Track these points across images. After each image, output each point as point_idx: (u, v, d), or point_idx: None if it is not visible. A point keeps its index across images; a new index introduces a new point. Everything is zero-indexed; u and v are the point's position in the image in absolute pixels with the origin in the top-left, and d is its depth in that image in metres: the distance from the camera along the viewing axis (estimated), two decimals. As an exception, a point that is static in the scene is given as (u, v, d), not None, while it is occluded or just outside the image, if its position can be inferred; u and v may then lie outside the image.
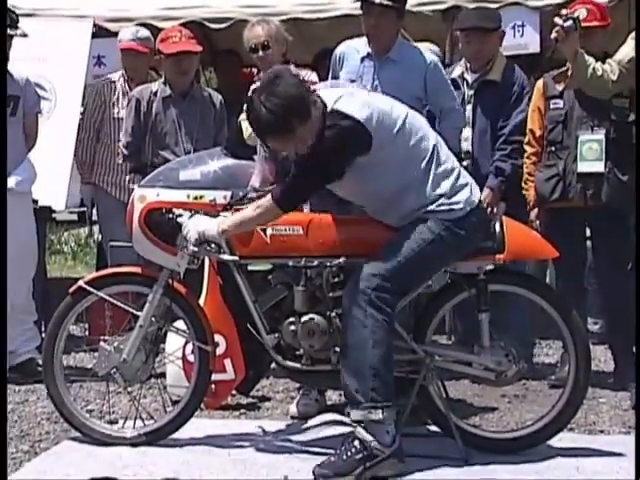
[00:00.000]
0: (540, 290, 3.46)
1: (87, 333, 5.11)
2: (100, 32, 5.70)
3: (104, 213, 5.21)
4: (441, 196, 3.19)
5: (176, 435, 3.46)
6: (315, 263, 3.32)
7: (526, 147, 4.40)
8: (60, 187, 5.28)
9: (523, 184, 4.43)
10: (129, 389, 3.51)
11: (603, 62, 4.14)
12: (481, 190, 3.60)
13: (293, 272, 3.36)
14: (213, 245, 3.33)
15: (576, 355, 3.37)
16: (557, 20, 3.72)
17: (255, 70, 5.33)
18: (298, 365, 3.36)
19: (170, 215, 3.39)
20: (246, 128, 4.36)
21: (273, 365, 3.54)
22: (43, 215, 5.01)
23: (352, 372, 3.14)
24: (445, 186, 3.21)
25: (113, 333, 3.62)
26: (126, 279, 3.54)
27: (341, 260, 3.28)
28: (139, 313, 3.43)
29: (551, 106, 4.32)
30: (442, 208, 3.19)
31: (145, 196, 3.40)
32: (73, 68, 5.50)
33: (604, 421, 3.82)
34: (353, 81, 3.88)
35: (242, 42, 4.37)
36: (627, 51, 3.83)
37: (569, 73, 3.92)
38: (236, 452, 3.37)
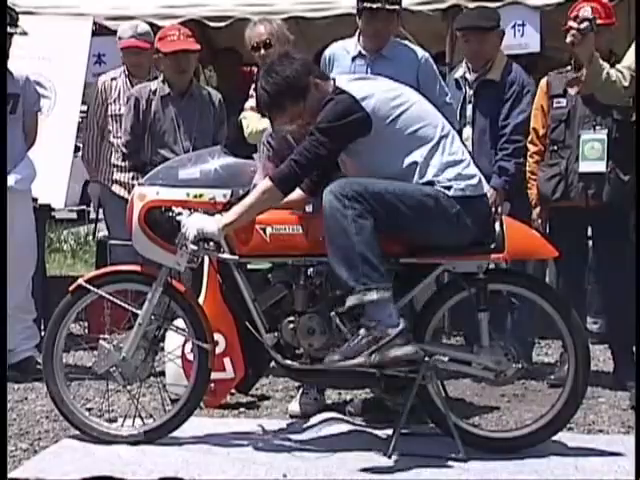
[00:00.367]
0: (540, 290, 3.46)
1: (86, 331, 5.12)
2: (100, 30, 5.69)
3: (110, 211, 5.20)
4: (445, 178, 3.24)
5: (175, 434, 3.46)
6: (315, 262, 3.33)
7: (529, 146, 4.40)
8: (59, 185, 5.29)
9: (526, 183, 4.42)
10: (128, 387, 3.51)
11: (609, 61, 4.15)
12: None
13: (293, 271, 3.36)
14: (212, 244, 3.33)
15: (575, 355, 3.37)
16: (572, 23, 3.69)
17: (255, 68, 5.34)
18: (297, 364, 3.36)
19: (170, 213, 3.39)
20: (247, 126, 4.38)
21: (272, 364, 3.54)
22: (42, 213, 5.01)
23: (341, 261, 3.17)
24: (450, 172, 3.25)
25: (112, 331, 3.62)
26: (125, 277, 3.54)
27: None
28: (138, 311, 3.43)
29: (554, 105, 4.32)
30: (444, 184, 3.23)
31: (145, 194, 3.40)
32: (73, 66, 5.50)
33: (603, 421, 3.82)
34: None
35: (242, 40, 4.37)
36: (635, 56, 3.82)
37: (583, 78, 3.91)
38: (235, 451, 3.37)
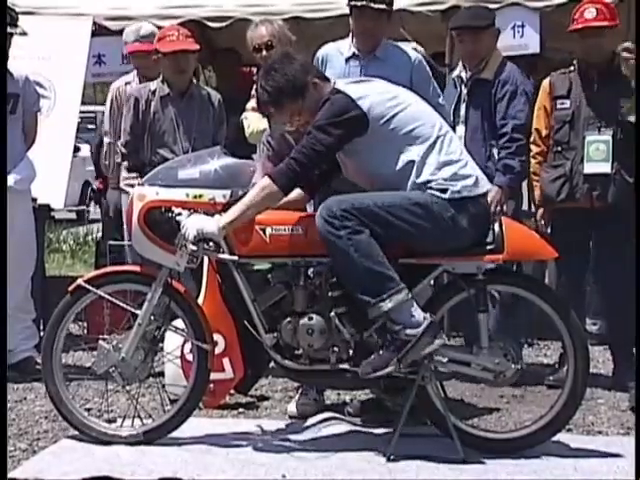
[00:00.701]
0: (539, 291, 3.46)
1: (86, 331, 5.12)
2: (100, 31, 5.70)
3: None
4: (440, 177, 3.25)
5: (174, 434, 3.46)
6: (314, 262, 3.33)
7: (532, 146, 4.38)
8: (59, 186, 5.29)
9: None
10: (128, 388, 3.51)
11: (612, 63, 4.16)
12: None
13: (292, 271, 3.36)
14: (212, 244, 3.33)
15: (575, 356, 3.37)
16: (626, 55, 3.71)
17: (255, 69, 5.34)
18: (297, 364, 3.37)
19: (169, 214, 3.39)
20: (248, 126, 4.38)
21: (272, 364, 3.54)
22: (42, 213, 5.01)
23: (350, 280, 3.23)
24: (446, 171, 3.26)
25: (112, 332, 3.62)
26: (125, 278, 3.54)
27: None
28: (138, 312, 3.43)
29: (558, 106, 4.31)
30: (439, 186, 3.24)
31: (144, 195, 3.40)
32: (73, 66, 5.51)
33: (602, 422, 3.82)
34: None
35: (242, 41, 4.37)
36: None
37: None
38: (234, 451, 3.37)
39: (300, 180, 3.36)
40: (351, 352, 3.35)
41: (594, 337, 4.98)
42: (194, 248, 3.31)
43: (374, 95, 3.30)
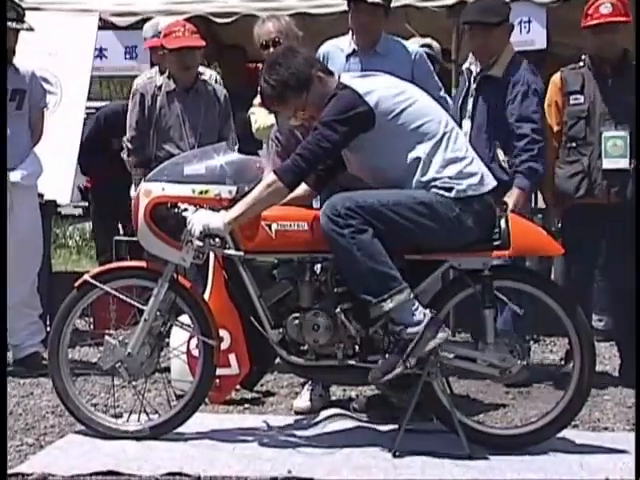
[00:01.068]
0: (545, 287, 3.45)
1: (92, 327, 5.13)
2: (106, 26, 5.70)
3: None
4: (446, 176, 3.24)
5: (180, 429, 3.47)
6: (320, 258, 3.33)
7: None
8: (65, 181, 5.30)
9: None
10: (134, 383, 3.51)
11: (625, 60, 4.12)
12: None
13: (298, 267, 3.36)
14: (218, 240, 3.33)
15: (581, 352, 3.36)
16: None
17: (261, 65, 5.33)
18: (302, 360, 3.37)
19: (175, 210, 3.39)
20: (255, 121, 4.38)
21: (277, 360, 3.54)
22: (48, 209, 5.02)
23: (353, 279, 3.23)
24: (452, 169, 3.25)
25: (118, 327, 3.63)
26: (131, 273, 3.55)
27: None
28: (144, 307, 3.44)
29: (571, 102, 4.26)
30: (444, 185, 3.23)
31: (151, 190, 3.40)
32: (79, 62, 5.52)
33: (608, 418, 3.82)
34: None
35: (247, 37, 4.37)
36: None
37: None
38: (240, 447, 3.37)
39: (306, 177, 3.36)
40: (357, 348, 3.35)
41: (600, 333, 4.97)
42: (200, 244, 3.31)
43: (381, 90, 3.29)
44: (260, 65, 5.51)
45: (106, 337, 3.49)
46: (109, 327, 4.55)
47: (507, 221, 3.32)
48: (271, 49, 4.16)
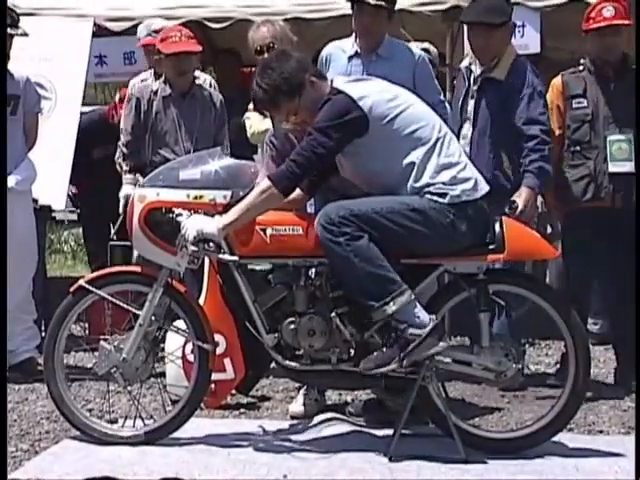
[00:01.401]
0: (540, 290, 3.45)
1: (87, 332, 5.12)
2: (101, 31, 5.70)
3: None
4: (440, 181, 3.24)
5: (176, 434, 3.46)
6: (315, 263, 3.33)
7: None
8: (60, 187, 5.29)
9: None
10: (129, 388, 3.51)
11: (625, 64, 4.11)
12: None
13: (293, 272, 3.36)
14: (212, 245, 3.33)
15: (576, 355, 3.37)
16: None
17: (255, 70, 5.33)
18: (298, 365, 3.36)
19: (170, 215, 3.39)
20: (250, 126, 4.38)
21: (273, 365, 3.54)
22: (43, 214, 5.01)
23: (353, 286, 3.22)
24: (446, 175, 3.25)
25: (113, 332, 3.62)
26: (126, 278, 3.54)
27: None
28: (139, 312, 3.43)
29: (574, 105, 4.25)
30: (438, 190, 3.23)
31: (145, 195, 3.40)
32: (73, 67, 5.52)
33: (603, 421, 3.82)
34: None
35: (242, 41, 4.37)
36: None
37: None
38: (236, 451, 3.37)
39: (300, 182, 3.36)
40: (352, 352, 3.35)
41: (595, 337, 4.98)
42: (195, 249, 3.31)
43: (375, 94, 3.29)
44: (255, 70, 5.53)
45: (101, 342, 3.49)
46: (104, 332, 4.54)
47: (502, 225, 3.33)
48: (265, 54, 4.16)
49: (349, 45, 4.00)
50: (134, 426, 3.48)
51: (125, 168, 5.02)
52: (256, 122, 4.32)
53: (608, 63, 4.25)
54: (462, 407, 3.90)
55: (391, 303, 3.18)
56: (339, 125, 3.23)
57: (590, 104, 4.23)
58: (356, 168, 3.36)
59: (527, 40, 5.29)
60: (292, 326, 3.34)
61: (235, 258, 3.34)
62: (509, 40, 4.23)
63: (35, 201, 4.73)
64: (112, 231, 5.34)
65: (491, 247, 3.29)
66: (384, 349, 3.23)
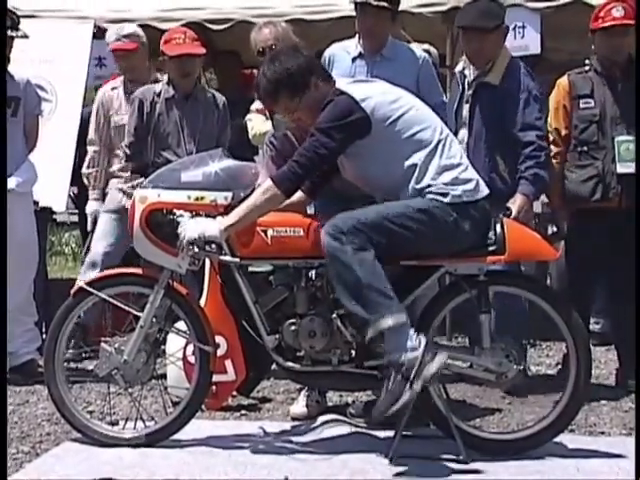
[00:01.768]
0: (541, 292, 3.46)
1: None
2: (101, 34, 5.70)
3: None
4: (441, 182, 3.24)
5: (177, 436, 3.46)
6: (316, 264, 3.33)
7: (551, 147, 4.24)
8: (61, 189, 5.30)
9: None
10: (130, 390, 3.51)
11: (630, 65, 4.11)
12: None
13: (294, 273, 3.36)
14: (214, 246, 3.33)
15: (577, 357, 3.36)
16: None
17: (256, 71, 5.34)
18: (299, 366, 3.37)
19: (171, 216, 3.39)
20: (251, 128, 4.38)
21: (274, 366, 3.54)
22: (44, 216, 5.02)
23: (350, 296, 3.17)
24: (447, 176, 3.26)
25: (114, 334, 3.62)
26: (127, 280, 3.54)
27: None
28: (140, 314, 3.43)
29: (581, 105, 4.23)
30: (439, 190, 3.23)
31: (146, 197, 3.40)
32: (74, 69, 5.52)
33: (605, 422, 3.82)
34: None
35: (243, 43, 4.37)
36: None
37: None
38: (237, 453, 3.37)
39: (302, 183, 3.36)
40: (353, 353, 3.35)
41: (597, 336, 4.97)
42: (196, 250, 3.31)
43: (377, 96, 3.29)
44: (256, 71, 5.53)
45: (102, 344, 3.49)
46: (105, 334, 4.53)
47: (503, 226, 3.33)
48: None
49: (353, 46, 4.00)
50: (135, 428, 3.48)
51: (93, 183, 5.05)
52: (258, 123, 4.32)
53: (615, 63, 4.24)
54: (463, 408, 3.90)
55: (389, 318, 3.12)
56: (341, 126, 3.23)
57: (597, 104, 4.22)
58: (358, 169, 3.35)
59: (527, 41, 5.29)
60: (293, 327, 3.34)
61: (236, 259, 3.34)
62: (503, 43, 4.22)
63: (36, 203, 4.73)
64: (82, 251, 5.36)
65: (492, 248, 3.29)
66: (388, 387, 3.14)
